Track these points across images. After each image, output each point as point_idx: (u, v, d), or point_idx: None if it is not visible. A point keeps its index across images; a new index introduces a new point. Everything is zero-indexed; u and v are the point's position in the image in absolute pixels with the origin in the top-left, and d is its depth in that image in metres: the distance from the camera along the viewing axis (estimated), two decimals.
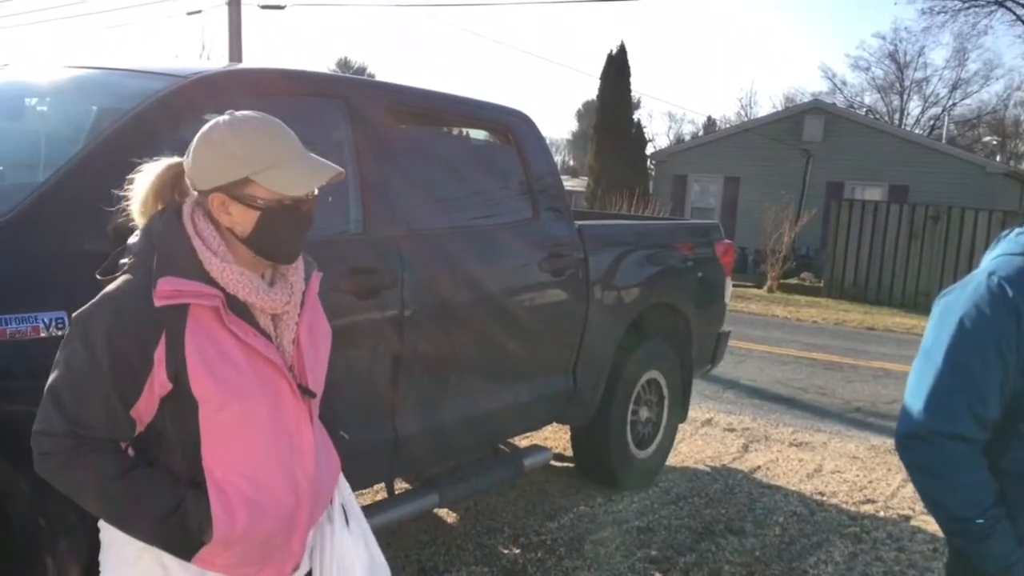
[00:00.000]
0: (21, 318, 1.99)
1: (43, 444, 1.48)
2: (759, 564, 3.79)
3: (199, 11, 19.95)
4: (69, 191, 2.20)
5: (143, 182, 1.60)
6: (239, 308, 1.55)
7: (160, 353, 1.47)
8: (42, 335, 2.02)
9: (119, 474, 1.48)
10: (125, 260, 1.55)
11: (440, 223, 3.38)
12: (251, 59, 21.14)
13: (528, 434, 4.79)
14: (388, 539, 3.55)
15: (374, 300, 2.91)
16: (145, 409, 1.51)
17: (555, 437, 5.25)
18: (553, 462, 4.73)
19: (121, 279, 1.52)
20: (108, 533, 1.61)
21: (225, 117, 1.56)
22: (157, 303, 1.45)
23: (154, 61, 3.08)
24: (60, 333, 2.04)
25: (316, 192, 1.60)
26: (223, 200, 1.53)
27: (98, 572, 2.13)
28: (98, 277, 1.57)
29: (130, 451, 1.57)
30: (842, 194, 19.48)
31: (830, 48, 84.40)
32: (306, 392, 1.64)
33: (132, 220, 1.64)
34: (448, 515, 4.10)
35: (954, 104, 41.09)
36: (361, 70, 48.38)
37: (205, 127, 1.57)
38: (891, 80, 42.24)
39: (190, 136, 1.60)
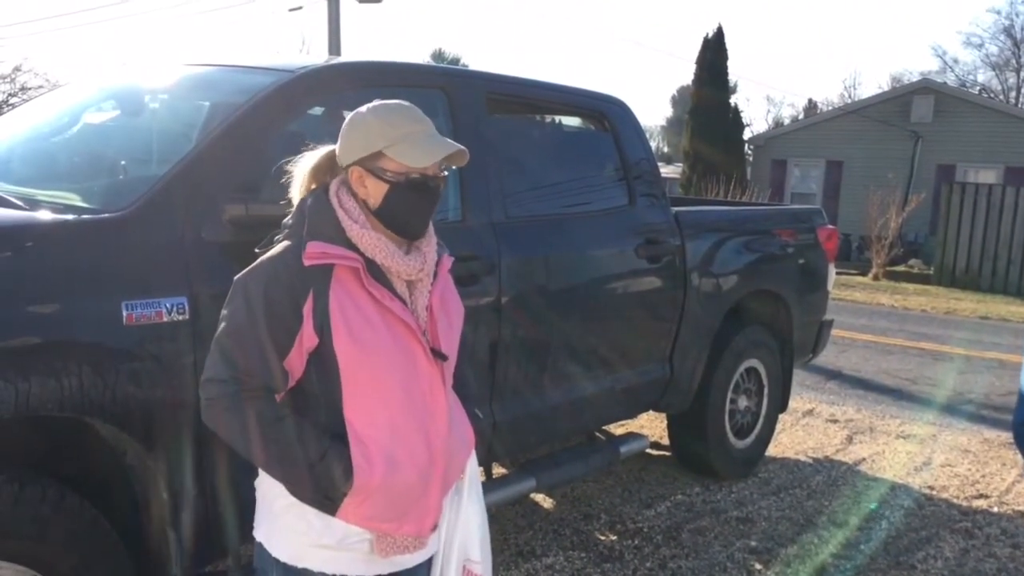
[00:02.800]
0: (145, 304, 2.11)
1: (210, 390, 1.66)
2: (864, 557, 3.69)
3: (300, 7, 20.50)
4: (187, 183, 2.31)
5: (303, 166, 1.79)
6: (377, 274, 1.69)
7: (308, 308, 1.63)
8: (164, 320, 2.14)
9: (275, 420, 1.63)
10: (280, 235, 1.74)
11: (537, 211, 3.40)
12: (349, 52, 21.62)
13: (624, 422, 4.78)
14: None
15: (472, 287, 2.96)
16: (296, 362, 1.66)
17: (651, 425, 5.22)
18: (649, 450, 4.72)
19: (277, 247, 1.71)
20: (262, 489, 1.76)
21: (370, 103, 1.74)
22: (306, 263, 1.63)
23: (259, 57, 3.20)
24: (181, 318, 2.16)
25: (445, 173, 1.75)
26: (360, 174, 1.71)
27: (214, 543, 2.26)
28: (256, 251, 1.75)
29: None
30: (953, 177, 18.58)
31: (940, 26, 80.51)
32: (438, 355, 1.74)
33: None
34: (545, 500, 4.14)
35: None
36: (455, 60, 48.79)
37: (353, 111, 1.75)
38: (1007, 57, 39.93)
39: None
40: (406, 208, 1.70)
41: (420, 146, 1.69)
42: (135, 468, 2.21)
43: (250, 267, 1.69)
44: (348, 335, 1.63)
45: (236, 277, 1.70)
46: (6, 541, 1.94)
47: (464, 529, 1.86)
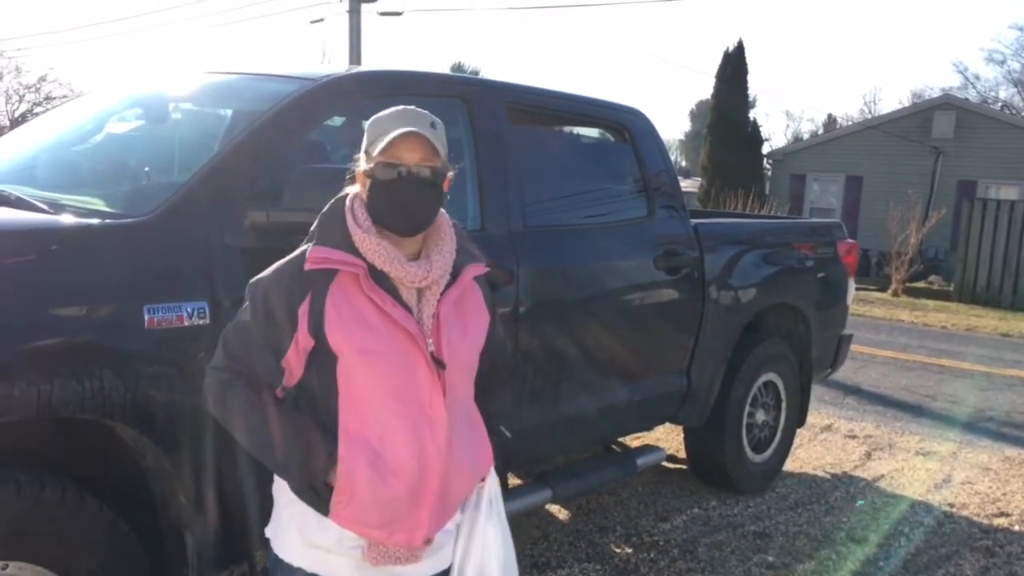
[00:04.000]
0: (167, 308, 2.13)
1: (208, 377, 1.77)
2: (883, 575, 3.65)
3: (321, 19, 20.71)
4: (210, 189, 2.33)
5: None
6: (383, 280, 1.69)
7: (304, 310, 1.67)
8: (186, 324, 2.15)
9: (263, 406, 1.69)
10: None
11: (556, 221, 3.41)
12: (369, 63, 21.76)
13: (641, 434, 4.76)
14: None
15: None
16: (295, 362, 1.70)
17: (668, 438, 5.19)
18: (666, 463, 4.69)
19: (293, 252, 1.75)
20: (275, 485, 1.80)
21: None
22: (306, 267, 1.67)
23: (281, 66, 3.23)
24: (202, 322, 2.17)
25: (425, 171, 1.68)
26: (361, 177, 1.74)
27: (231, 547, 2.27)
28: None
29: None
30: (975, 193, 18.47)
31: (962, 42, 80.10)
32: (438, 363, 1.71)
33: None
34: (560, 512, 4.12)
35: None
36: (475, 73, 48.95)
37: None
38: None
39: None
40: (386, 201, 1.69)
41: (387, 135, 1.67)
42: (154, 471, 2.21)
43: (265, 271, 1.75)
44: (341, 333, 1.64)
45: (251, 280, 1.76)
46: (25, 542, 1.96)
47: (481, 550, 1.81)
